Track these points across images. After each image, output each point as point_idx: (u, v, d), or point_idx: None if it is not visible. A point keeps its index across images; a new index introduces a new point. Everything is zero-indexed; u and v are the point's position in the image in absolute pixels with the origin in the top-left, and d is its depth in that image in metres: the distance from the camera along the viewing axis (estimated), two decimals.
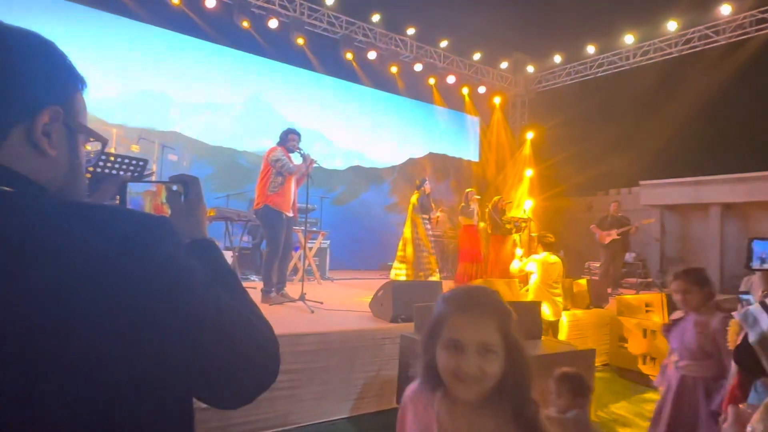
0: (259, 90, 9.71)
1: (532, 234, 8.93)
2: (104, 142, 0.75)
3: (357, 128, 10.98)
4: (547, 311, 4.98)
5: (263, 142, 9.06)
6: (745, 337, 1.51)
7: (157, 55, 8.40)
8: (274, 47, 9.35)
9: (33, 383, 0.51)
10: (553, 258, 5.15)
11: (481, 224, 7.72)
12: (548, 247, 5.20)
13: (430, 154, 12.32)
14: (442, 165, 12.46)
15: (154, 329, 0.56)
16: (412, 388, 1.10)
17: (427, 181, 7.02)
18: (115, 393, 0.55)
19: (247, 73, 9.49)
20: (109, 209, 0.62)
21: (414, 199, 6.91)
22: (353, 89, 10.85)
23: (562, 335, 5.38)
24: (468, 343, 0.96)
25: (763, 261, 0.99)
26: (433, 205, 7.20)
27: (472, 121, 13.26)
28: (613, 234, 7.96)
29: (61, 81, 0.66)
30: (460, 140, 13.04)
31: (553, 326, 5.16)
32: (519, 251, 7.89)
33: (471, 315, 0.99)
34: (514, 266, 5.68)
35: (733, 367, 1.56)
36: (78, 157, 0.68)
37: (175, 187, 0.97)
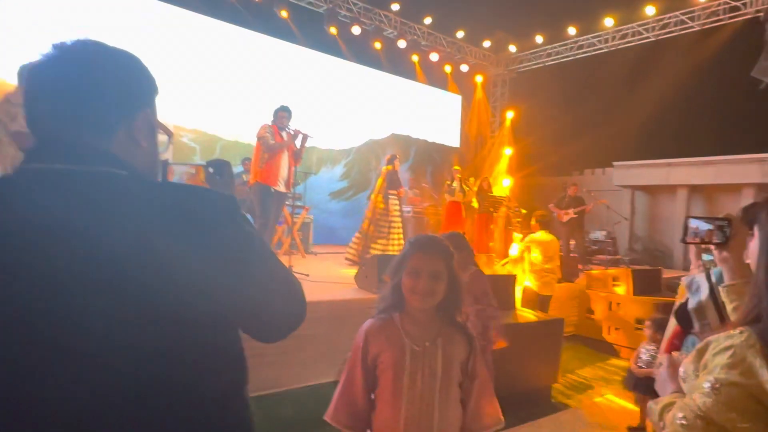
0: (238, 63, 9.42)
1: (510, 212, 9.28)
2: (170, 135, 0.93)
3: (324, 104, 10.36)
4: (541, 287, 5.21)
5: (235, 116, 9.04)
6: (687, 301, 1.77)
7: (134, 24, 8.20)
8: (258, 18, 9.26)
9: (155, 315, 0.70)
10: (549, 236, 5.34)
11: (474, 204, 7.98)
12: (544, 225, 5.40)
13: (393, 135, 11.85)
14: (404, 146, 11.97)
15: (237, 274, 0.75)
16: (371, 323, 1.47)
17: (397, 158, 7.19)
18: (205, 327, 0.74)
19: (226, 44, 9.30)
20: (194, 187, 0.81)
21: (383, 171, 7.07)
22: (332, 64, 10.68)
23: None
24: (424, 271, 1.38)
25: (695, 235, 1.22)
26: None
27: (449, 100, 13.25)
28: (570, 213, 8.42)
29: (147, 89, 0.84)
30: (432, 121, 12.73)
31: (546, 301, 5.35)
32: (517, 235, 8.12)
33: (427, 253, 1.42)
34: (513, 251, 5.83)
35: (672, 321, 1.83)
36: (157, 147, 0.87)
37: (211, 169, 1.16)
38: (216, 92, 9.00)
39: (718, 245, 1.21)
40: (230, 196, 0.81)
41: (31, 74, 0.77)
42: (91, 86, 0.77)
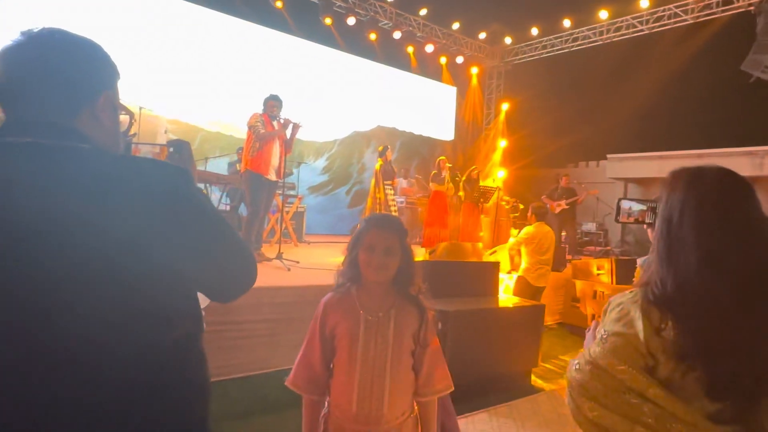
0: (231, 52, 9.46)
1: (501, 202, 9.38)
2: (132, 116, 1.04)
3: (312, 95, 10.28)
4: (536, 279, 5.27)
5: (218, 107, 9.06)
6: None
7: (129, 13, 8.25)
8: (251, 8, 9.31)
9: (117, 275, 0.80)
10: (545, 227, 5.38)
11: (461, 193, 8.07)
12: (540, 216, 5.43)
13: (379, 126, 11.78)
14: (390, 138, 11.72)
15: (189, 237, 0.86)
16: (330, 296, 1.55)
17: (389, 148, 7.30)
18: (165, 282, 0.85)
19: (219, 33, 9.34)
20: (151, 159, 0.91)
21: (378, 165, 7.20)
22: (325, 55, 10.70)
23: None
24: (378, 246, 1.47)
25: (629, 215, 1.33)
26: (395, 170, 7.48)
27: (441, 92, 13.27)
28: (562, 204, 8.54)
29: (109, 73, 0.95)
30: (421, 113, 12.65)
31: (539, 292, 5.39)
32: (515, 230, 8.17)
33: (382, 229, 1.50)
34: (511, 245, 5.83)
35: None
36: (119, 126, 0.98)
37: (172, 149, 1.27)
38: (200, 82, 8.95)
39: (650, 224, 1.31)
40: (181, 168, 0.91)
41: (0, 57, 0.86)
42: (55, 69, 0.87)
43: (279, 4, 9.35)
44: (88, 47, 0.92)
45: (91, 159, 0.84)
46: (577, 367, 0.95)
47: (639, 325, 0.90)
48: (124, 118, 1.09)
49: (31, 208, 0.76)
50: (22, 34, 0.87)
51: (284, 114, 5.19)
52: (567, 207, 8.66)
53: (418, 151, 12.67)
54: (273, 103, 5.14)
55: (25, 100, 0.86)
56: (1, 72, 0.86)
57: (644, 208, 1.30)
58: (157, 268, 0.83)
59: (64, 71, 0.87)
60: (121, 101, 0.97)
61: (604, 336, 0.93)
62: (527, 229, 5.48)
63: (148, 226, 0.81)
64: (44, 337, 0.77)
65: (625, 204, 1.31)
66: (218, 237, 0.92)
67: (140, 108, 7.12)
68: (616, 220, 1.35)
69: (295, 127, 5.10)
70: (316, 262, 5.64)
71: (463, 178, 8.08)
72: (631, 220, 1.32)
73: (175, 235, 0.84)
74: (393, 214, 7.03)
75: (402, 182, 9.28)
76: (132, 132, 1.03)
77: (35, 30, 0.88)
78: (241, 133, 8.94)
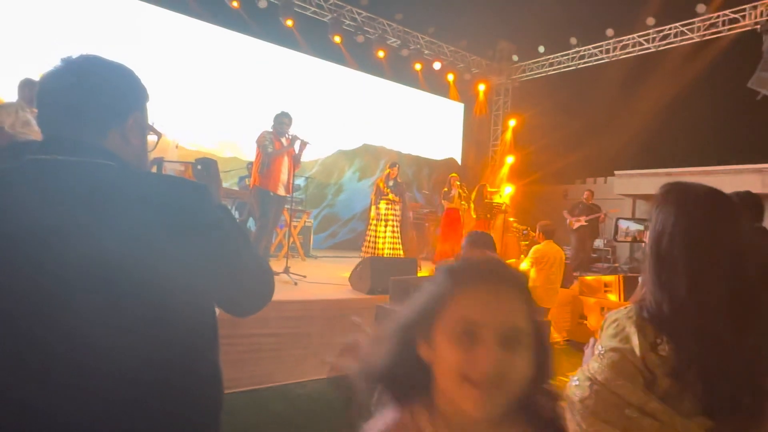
0: (243, 70, 9.55)
1: (510, 219, 9.38)
2: (159, 136, 1.10)
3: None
4: (544, 300, 5.17)
5: (238, 122, 9.16)
6: None
7: (138, 31, 8.42)
8: (263, 28, 9.50)
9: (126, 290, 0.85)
10: (555, 246, 5.26)
11: (473, 214, 8.09)
12: (549, 234, 5.30)
13: (364, 145, 11.34)
14: (374, 157, 11.46)
15: (209, 250, 0.90)
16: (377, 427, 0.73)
17: (397, 165, 7.36)
18: (181, 298, 0.89)
19: (232, 52, 9.48)
20: (170, 176, 0.97)
21: (381, 182, 7.25)
22: (329, 72, 10.71)
23: None
24: (488, 328, 0.67)
25: (626, 234, 1.36)
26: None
27: (445, 109, 13.27)
28: (582, 220, 8.48)
29: (138, 96, 1.02)
30: (418, 131, 12.35)
31: (546, 312, 5.28)
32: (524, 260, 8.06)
33: (492, 290, 0.70)
34: (523, 268, 5.77)
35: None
36: (146, 146, 1.04)
37: (199, 166, 1.31)
38: (202, 101, 8.93)
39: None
40: (204, 185, 0.96)
41: (41, 82, 0.95)
42: (88, 94, 0.94)
43: (290, 23, 9.52)
44: (119, 73, 0.99)
45: (117, 176, 0.90)
46: (576, 383, 0.97)
47: (635, 340, 0.92)
48: (152, 138, 1.15)
49: (55, 221, 0.82)
50: (62, 60, 0.94)
51: (293, 131, 5.28)
52: (586, 224, 8.57)
53: (404, 171, 12.19)
54: (283, 120, 5.24)
55: (60, 121, 0.93)
56: (40, 96, 0.94)
57: (642, 227, 1.33)
58: (174, 282, 0.87)
59: (97, 95, 0.94)
60: (150, 122, 1.04)
61: (602, 352, 0.95)
62: (537, 248, 5.41)
63: (164, 240, 0.85)
64: (62, 348, 0.81)
65: (623, 224, 1.35)
66: (236, 252, 0.96)
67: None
68: (615, 240, 1.39)
69: (303, 144, 5.18)
70: (322, 276, 5.68)
71: (473, 195, 8.12)
72: (629, 239, 1.36)
73: (191, 250, 0.88)
74: (392, 231, 7.04)
75: (418, 197, 9.29)
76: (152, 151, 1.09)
77: (73, 57, 0.95)
78: (242, 154, 9.01)
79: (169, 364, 0.89)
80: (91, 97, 0.94)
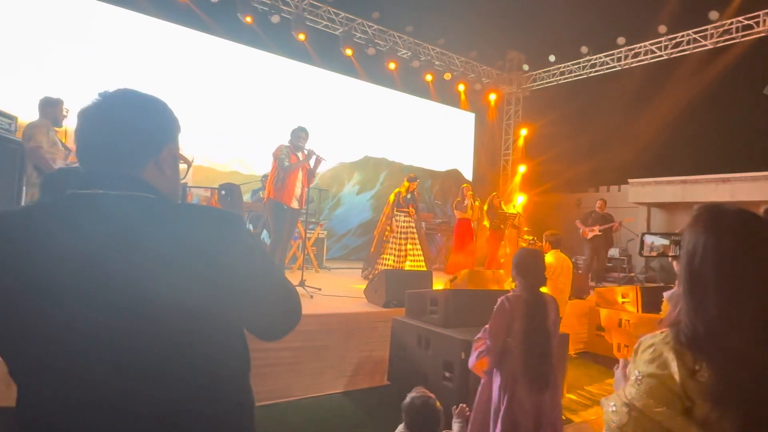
0: (256, 84, 9.67)
1: (524, 229, 9.35)
2: (189, 164, 1.12)
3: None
4: None
5: (251, 135, 9.24)
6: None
7: (155, 47, 8.58)
8: (276, 42, 9.64)
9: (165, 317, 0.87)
10: (561, 255, 5.21)
11: (485, 222, 8.07)
12: (556, 244, 5.26)
13: (366, 157, 11.28)
14: (374, 171, 11.43)
15: (241, 281, 0.92)
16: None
17: (416, 178, 7.34)
18: (214, 323, 0.91)
19: (246, 66, 9.64)
20: (211, 209, 0.99)
21: (393, 195, 7.23)
22: (346, 85, 10.87)
23: None
24: None
25: (651, 249, 1.36)
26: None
27: (455, 119, 13.35)
28: (596, 230, 8.41)
29: (171, 128, 1.04)
30: (424, 144, 12.32)
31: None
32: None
33: None
34: None
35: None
36: (179, 175, 1.06)
37: (223, 192, 1.34)
38: (213, 120, 9.02)
39: (675, 257, 1.33)
40: (236, 214, 0.98)
41: (80, 116, 0.97)
42: (125, 126, 0.97)
43: (302, 37, 9.65)
44: (154, 105, 1.02)
45: (156, 208, 0.93)
46: (613, 408, 0.97)
47: (673, 366, 0.92)
48: (182, 166, 1.17)
49: (96, 254, 0.84)
50: (99, 95, 0.97)
51: (309, 146, 5.34)
52: (600, 234, 8.50)
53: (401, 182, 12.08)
54: (300, 134, 5.30)
55: (99, 155, 0.95)
56: (79, 131, 0.96)
57: (667, 242, 1.33)
58: (206, 311, 0.89)
59: (134, 128, 0.97)
60: (181, 151, 1.06)
61: (639, 377, 0.95)
62: (545, 258, 5.35)
63: (202, 272, 0.87)
64: (101, 375, 0.84)
65: (648, 239, 1.34)
66: (265, 280, 0.98)
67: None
68: (640, 254, 1.38)
69: (318, 159, 5.23)
70: (337, 288, 5.69)
71: (486, 206, 8.12)
72: (654, 254, 1.35)
73: (226, 281, 0.90)
74: (413, 245, 7.01)
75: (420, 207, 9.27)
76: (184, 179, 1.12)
77: (110, 91, 0.98)
78: (252, 169, 9.08)
79: (201, 391, 0.91)
80: (129, 129, 0.97)
